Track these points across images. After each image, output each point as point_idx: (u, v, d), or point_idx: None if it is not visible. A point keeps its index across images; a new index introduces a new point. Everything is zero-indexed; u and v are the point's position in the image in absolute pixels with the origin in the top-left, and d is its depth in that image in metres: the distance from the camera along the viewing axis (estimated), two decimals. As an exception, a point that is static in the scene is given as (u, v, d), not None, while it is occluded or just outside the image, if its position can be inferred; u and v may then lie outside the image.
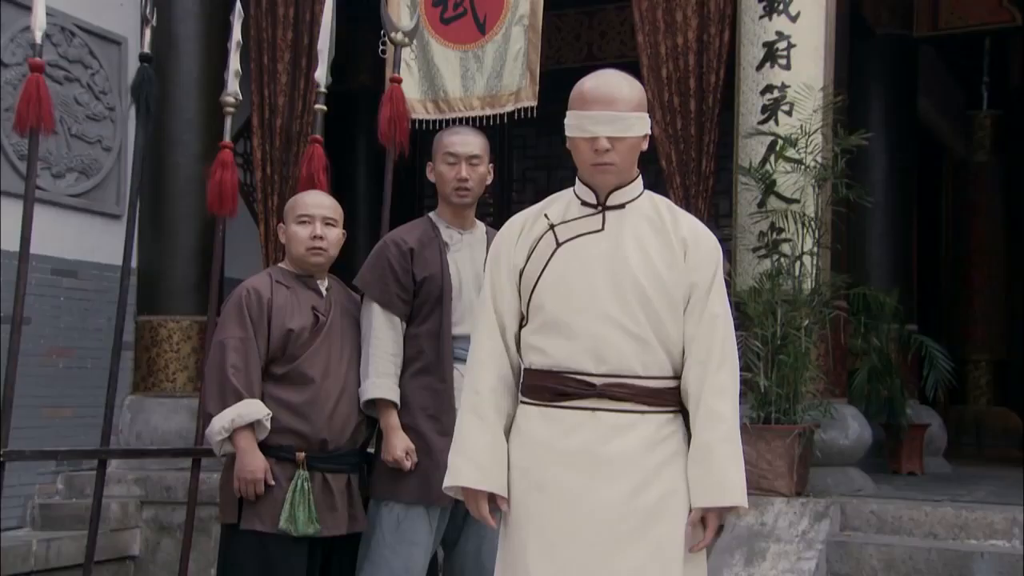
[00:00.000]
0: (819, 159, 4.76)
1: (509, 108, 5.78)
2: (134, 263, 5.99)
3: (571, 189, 2.23)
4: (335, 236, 3.11)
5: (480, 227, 3.28)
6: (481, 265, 3.18)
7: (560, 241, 2.13)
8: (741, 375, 4.75)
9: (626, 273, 2.11)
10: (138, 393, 5.92)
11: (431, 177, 3.20)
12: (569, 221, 2.15)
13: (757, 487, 4.54)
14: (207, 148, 5.28)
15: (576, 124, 2.09)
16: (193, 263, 5.91)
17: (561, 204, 2.20)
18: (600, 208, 2.15)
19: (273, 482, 2.90)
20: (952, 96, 8.95)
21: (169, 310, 5.97)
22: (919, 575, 4.14)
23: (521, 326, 2.19)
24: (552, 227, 2.15)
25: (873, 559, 4.23)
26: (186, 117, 5.93)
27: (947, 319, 9.10)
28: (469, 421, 2.18)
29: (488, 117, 5.88)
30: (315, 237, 3.05)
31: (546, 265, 2.13)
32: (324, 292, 3.12)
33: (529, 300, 2.15)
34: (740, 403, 4.89)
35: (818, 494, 4.61)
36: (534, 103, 5.64)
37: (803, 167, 4.75)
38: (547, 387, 2.12)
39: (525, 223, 2.23)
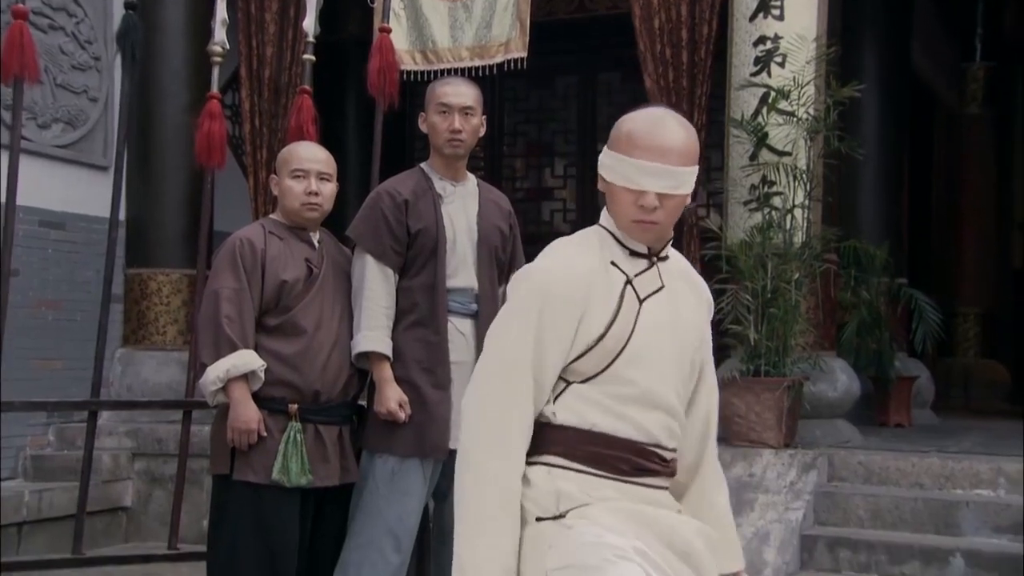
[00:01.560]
0: (811, 111, 4.74)
1: (499, 59, 5.73)
2: (122, 215, 6.03)
3: (595, 229, 1.90)
4: (329, 191, 3.09)
5: (471, 179, 3.27)
6: (473, 218, 3.17)
7: (642, 299, 1.85)
8: (732, 328, 4.90)
9: (686, 340, 1.90)
10: (128, 346, 5.92)
11: (423, 128, 3.18)
12: (640, 274, 1.86)
13: (746, 439, 4.59)
14: (195, 98, 5.22)
15: (620, 170, 1.79)
16: (182, 215, 5.88)
17: (609, 248, 1.86)
18: (653, 260, 1.88)
19: (266, 433, 2.90)
20: (945, 48, 8.89)
21: (158, 263, 5.95)
22: (905, 524, 4.20)
23: (567, 381, 1.83)
24: (630, 281, 1.84)
25: (860, 509, 4.29)
26: (173, 66, 5.87)
27: (937, 273, 9.12)
28: (503, 524, 1.75)
29: (478, 68, 5.83)
30: (310, 193, 3.03)
31: (633, 329, 1.82)
32: (316, 244, 3.11)
33: (608, 366, 1.81)
34: (730, 356, 5.05)
35: (806, 446, 4.66)
36: (524, 54, 5.59)
37: (795, 119, 4.74)
38: (629, 460, 1.81)
39: (592, 271, 1.83)
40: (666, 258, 1.90)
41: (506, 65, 5.79)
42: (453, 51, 5.78)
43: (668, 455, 1.86)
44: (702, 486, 2.00)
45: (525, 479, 1.80)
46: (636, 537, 1.75)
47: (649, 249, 1.87)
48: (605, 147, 1.85)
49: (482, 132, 3.21)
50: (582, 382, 1.81)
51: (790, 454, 4.51)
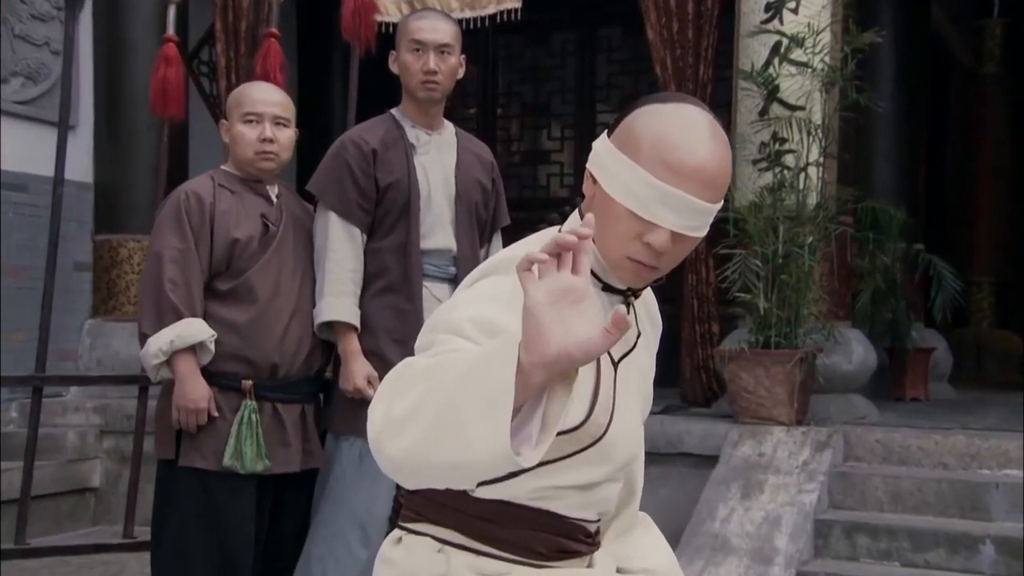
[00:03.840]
0: (827, 60, 4.38)
1: (491, 10, 5.40)
2: (91, 177, 5.69)
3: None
4: (287, 138, 2.73)
5: (449, 128, 2.91)
6: (451, 170, 2.82)
7: (616, 361, 1.39)
8: (740, 296, 4.58)
9: (647, 395, 1.53)
10: (98, 317, 5.57)
11: (394, 68, 2.81)
12: None
13: (755, 415, 4.30)
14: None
15: (629, 186, 1.29)
16: (156, 178, 5.49)
17: None
18: (630, 300, 1.42)
19: (216, 413, 2.57)
20: (961, 2, 8.47)
21: (129, 228, 5.57)
22: (928, 508, 3.88)
23: None
24: None
25: (879, 491, 3.98)
26: (142, 16, 5.47)
27: (950, 239, 8.75)
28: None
29: (469, 21, 5.49)
30: (264, 140, 2.67)
31: (613, 409, 1.36)
32: (274, 199, 2.75)
33: (573, 455, 1.34)
34: (738, 326, 4.72)
35: (819, 422, 4.39)
36: (518, 4, 5.26)
37: (810, 70, 4.38)
38: (551, 541, 1.40)
39: None
40: (640, 293, 1.43)
41: (499, 17, 5.45)
42: (442, 1, 5.43)
43: (596, 527, 1.46)
44: (637, 539, 1.58)
45: (399, 548, 1.42)
46: None
47: (628, 287, 1.38)
48: (607, 139, 1.34)
49: (461, 74, 2.85)
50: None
51: (802, 432, 4.21)
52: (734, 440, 4.23)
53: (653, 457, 4.47)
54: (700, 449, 4.36)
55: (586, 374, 1.33)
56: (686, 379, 5.07)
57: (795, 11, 4.45)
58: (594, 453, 1.35)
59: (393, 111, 2.86)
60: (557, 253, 1.01)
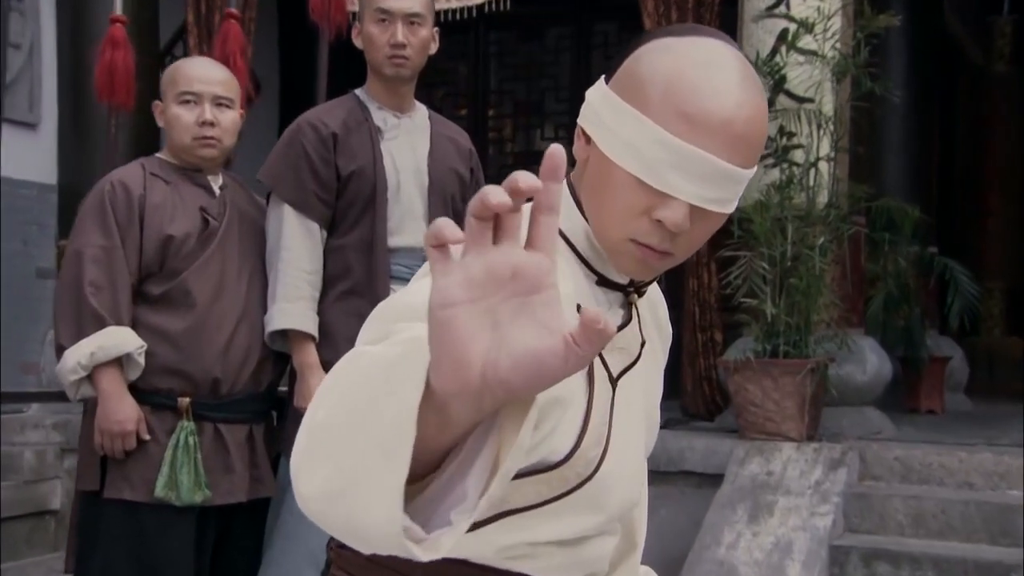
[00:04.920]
0: (838, 46, 4.06)
1: (480, 0, 5.14)
2: (55, 179, 5.38)
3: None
4: (230, 120, 2.40)
5: (421, 110, 2.58)
6: (423, 158, 2.49)
7: (614, 377, 1.07)
8: (745, 302, 4.28)
9: (653, 420, 1.19)
10: (61, 326, 5.23)
11: (358, 42, 2.49)
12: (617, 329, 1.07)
13: (762, 430, 3.99)
14: (137, 45, 4.55)
15: (632, 143, 0.97)
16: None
17: (568, 270, 1.04)
18: (632, 299, 1.11)
19: (147, 436, 2.23)
20: (970, -1, 8.18)
21: (96, 233, 5.25)
22: (954, 533, 3.55)
23: None
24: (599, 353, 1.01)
25: (899, 513, 3.65)
26: (108, 7, 5.14)
27: (960, 243, 8.44)
28: None
29: (456, 14, 5.23)
30: (204, 123, 2.33)
31: (609, 436, 1.05)
32: (217, 191, 2.42)
33: (560, 497, 1.02)
34: (744, 334, 4.41)
35: (832, 438, 4.08)
36: None
37: (819, 58, 4.06)
38: None
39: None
40: (644, 291, 1.11)
41: (487, 7, 5.19)
42: (427, -9, 5.14)
43: None
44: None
45: None
46: None
47: (630, 281, 1.07)
48: (604, 85, 1.03)
49: (434, 49, 2.52)
50: (501, 514, 0.99)
51: (814, 448, 3.90)
52: (740, 457, 3.92)
53: (652, 475, 4.15)
54: (703, 467, 4.06)
55: (575, 393, 1.00)
56: (687, 391, 4.76)
57: (803, -4, 4.14)
58: (582, 498, 1.02)
59: (357, 91, 2.53)
60: (492, 215, 0.61)
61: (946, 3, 6.88)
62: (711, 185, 0.96)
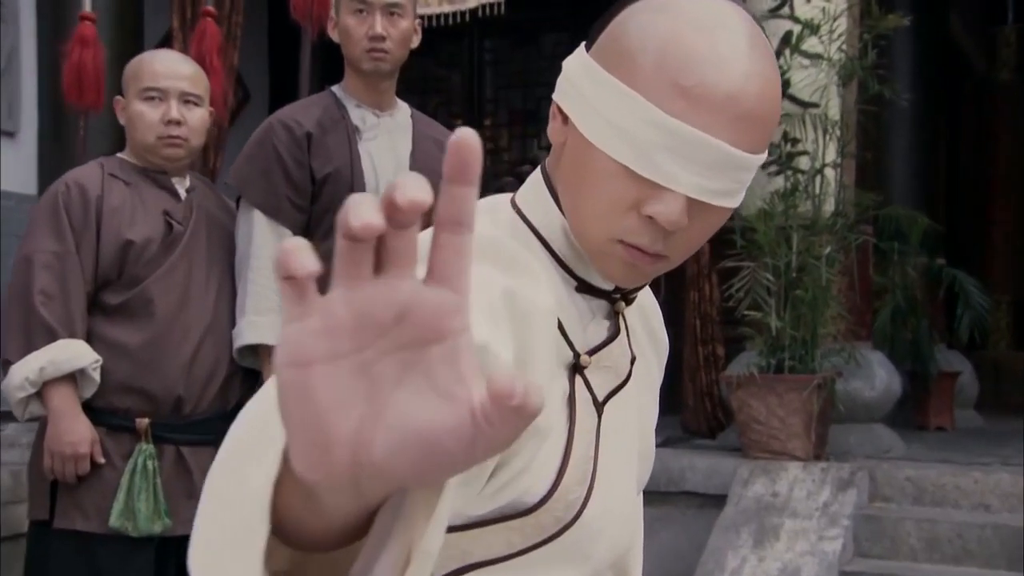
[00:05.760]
0: (844, 49, 3.91)
1: (472, 4, 5.02)
2: (35, 188, 5.21)
3: (508, 219, 0.91)
4: (198, 119, 2.22)
5: (403, 109, 2.41)
6: (405, 159, 2.32)
7: (600, 401, 0.90)
8: (749, 315, 4.12)
9: (646, 440, 1.01)
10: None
11: (334, 36, 2.33)
12: (600, 347, 0.90)
13: (767, 449, 3.83)
14: (121, 51, 4.38)
15: (621, 128, 0.81)
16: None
17: (530, 273, 0.84)
18: (618, 307, 0.93)
19: (102, 460, 2.05)
20: (975, 7, 8.05)
21: (76, 244, 5.09)
22: (971, 557, 3.37)
23: None
24: (580, 369, 0.88)
25: (912, 537, 3.48)
26: (93, 7, 4.99)
27: (965, 254, 8.29)
28: None
29: (448, 19, 5.09)
30: (169, 121, 2.16)
31: (594, 473, 0.89)
32: (183, 194, 2.24)
33: (539, 546, 0.86)
34: (747, 348, 4.25)
35: (840, 457, 3.92)
36: None
37: (825, 61, 3.91)
38: None
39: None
40: (634, 297, 0.94)
41: (481, 12, 5.03)
42: (418, -5, 5.01)
43: None
44: None
45: None
46: None
47: (616, 287, 0.90)
48: (585, 54, 0.86)
49: (416, 42, 2.36)
50: (463, 569, 0.83)
51: (822, 468, 3.73)
52: (744, 477, 3.75)
53: (652, 496, 4.03)
54: (705, 487, 3.89)
55: (553, 421, 0.82)
56: (688, 407, 4.60)
57: (807, -3, 4.00)
58: (563, 547, 0.86)
59: (334, 88, 2.36)
60: (356, 235, 0.42)
61: (951, 10, 6.76)
62: (713, 173, 0.80)
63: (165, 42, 5.64)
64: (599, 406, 0.88)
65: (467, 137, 0.42)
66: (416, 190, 0.41)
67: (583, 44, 0.87)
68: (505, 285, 0.77)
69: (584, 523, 0.85)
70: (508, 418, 0.40)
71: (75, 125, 4.94)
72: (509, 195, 0.92)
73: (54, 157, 5.07)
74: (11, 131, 5.00)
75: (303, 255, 0.41)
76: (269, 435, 0.48)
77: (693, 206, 0.81)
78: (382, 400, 0.43)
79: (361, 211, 0.40)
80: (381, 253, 0.42)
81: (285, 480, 0.47)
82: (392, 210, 0.41)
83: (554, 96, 0.87)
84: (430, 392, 0.42)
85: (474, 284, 0.76)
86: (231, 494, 0.49)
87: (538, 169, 0.91)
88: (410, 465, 0.42)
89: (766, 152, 0.85)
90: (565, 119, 0.85)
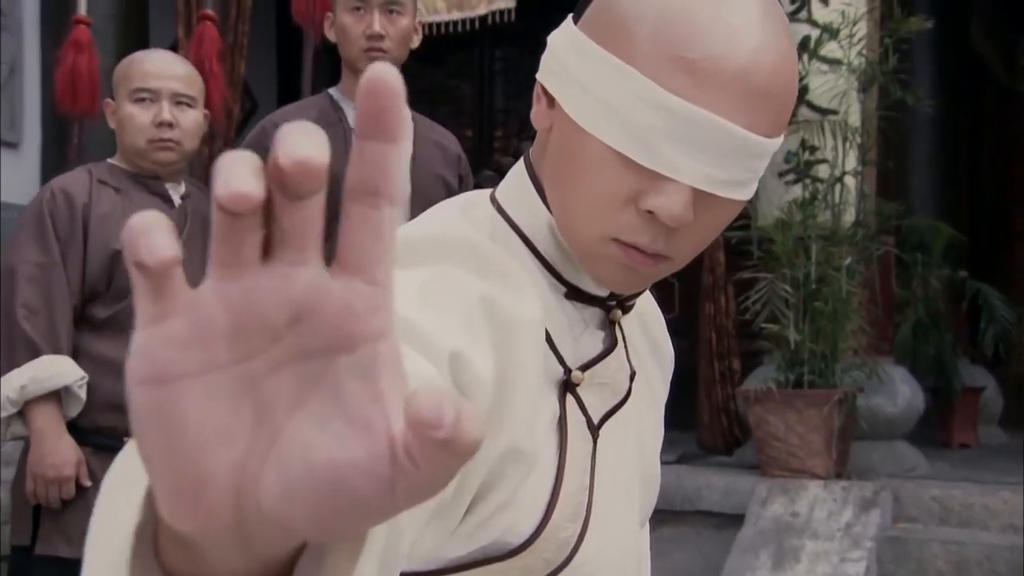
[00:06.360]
0: (864, 53, 3.81)
1: (482, 11, 4.95)
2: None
3: (489, 217, 0.79)
4: (192, 121, 2.12)
5: (406, 111, 2.30)
6: (406, 164, 2.22)
7: (595, 424, 0.79)
8: (766, 328, 4.01)
9: (649, 465, 0.88)
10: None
11: (331, 36, 2.23)
12: (593, 362, 0.79)
13: (786, 467, 3.71)
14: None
15: (615, 109, 0.70)
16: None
17: (529, 281, 0.72)
18: (614, 316, 0.81)
19: (88, 482, 1.95)
20: (996, 15, 7.93)
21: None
22: (1000, 582, 3.23)
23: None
24: (571, 386, 0.77)
25: (939, 560, 3.35)
26: (100, 15, 4.91)
27: (987, 266, 8.14)
28: None
29: (457, 26, 5.01)
30: (161, 123, 2.06)
31: (589, 509, 0.77)
32: (178, 200, 2.14)
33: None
34: (764, 362, 4.14)
35: (862, 475, 3.80)
36: (512, 4, 4.80)
37: (845, 66, 3.81)
38: None
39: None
40: (632, 305, 0.82)
41: (491, 19, 4.96)
42: (427, 2, 4.94)
43: None
44: None
45: None
46: None
47: (612, 293, 0.79)
48: (572, 26, 0.75)
49: (416, 42, 2.26)
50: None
51: (843, 487, 3.61)
52: (762, 496, 3.63)
53: (666, 515, 3.91)
54: (722, 506, 3.77)
55: (540, 447, 0.71)
56: (704, 423, 4.48)
57: (825, 1, 3.89)
58: None
59: (331, 90, 2.26)
60: (248, 209, 0.31)
61: (973, 18, 6.65)
62: (722, 160, 0.69)
63: (172, 49, 5.59)
64: (594, 429, 0.78)
65: (382, 74, 0.32)
66: (305, 146, 0.31)
67: (570, 16, 0.76)
68: (483, 291, 0.67)
69: (578, 566, 0.74)
70: (435, 455, 0.30)
71: (76, 137, 4.89)
72: (488, 191, 0.81)
73: (57, 168, 4.99)
74: (14, 142, 4.92)
75: (157, 235, 0.31)
76: (122, 479, 0.38)
77: (699, 199, 0.70)
78: (273, 427, 0.32)
79: (233, 176, 0.30)
80: (271, 229, 0.32)
81: (161, 524, 0.36)
82: (279, 175, 0.31)
83: (538, 76, 0.76)
84: (337, 417, 0.32)
85: (447, 286, 0.66)
86: (103, 536, 0.38)
87: (521, 161, 0.80)
88: (310, 513, 0.32)
89: (782, 137, 0.74)
90: (551, 102, 0.75)
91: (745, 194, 0.73)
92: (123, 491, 0.38)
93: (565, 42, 0.74)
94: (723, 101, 0.68)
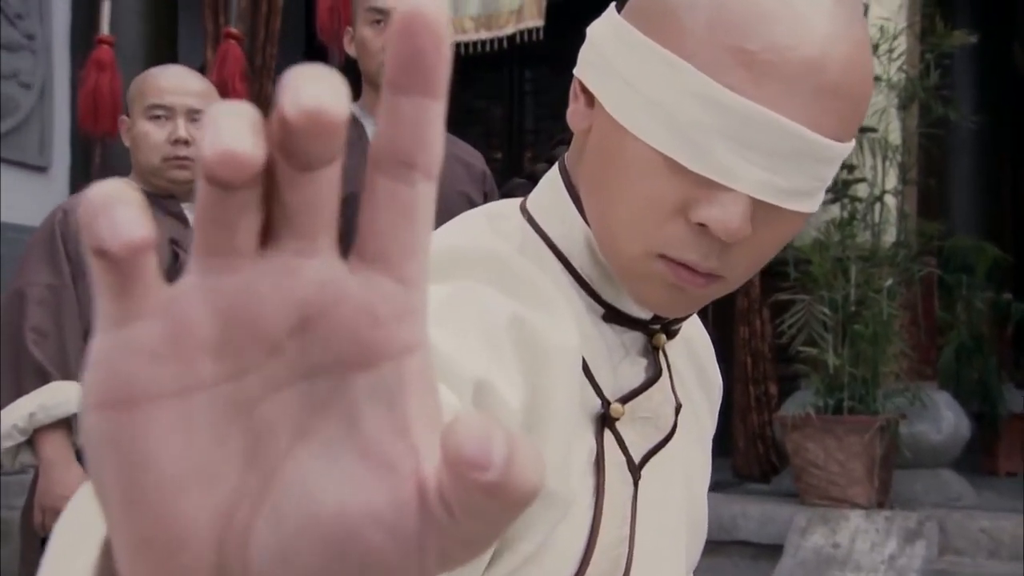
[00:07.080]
0: (905, 69, 3.70)
1: (510, 30, 4.89)
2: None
3: (518, 228, 0.70)
4: (209, 139, 2.06)
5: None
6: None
7: (636, 463, 0.69)
8: (804, 351, 3.89)
9: (696, 507, 0.79)
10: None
11: (350, 50, 2.17)
12: (631, 396, 0.69)
13: (826, 496, 3.58)
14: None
15: (664, 108, 0.61)
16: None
17: (563, 301, 0.65)
18: (657, 342, 0.71)
19: (97, 512, 1.87)
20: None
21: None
22: (1054, 619, 3.08)
23: None
24: (609, 421, 0.67)
25: (988, 595, 3.19)
26: (129, 44, 4.91)
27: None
28: None
29: (486, 46, 4.96)
30: (177, 141, 2.00)
31: (631, 553, 0.69)
32: (192, 220, 2.08)
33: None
34: (802, 387, 4.01)
35: (905, 505, 3.66)
36: (540, 23, 4.75)
37: (884, 82, 3.70)
38: None
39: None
40: (676, 331, 0.74)
41: (519, 38, 4.91)
42: (456, 22, 4.91)
43: None
44: None
45: None
46: None
47: (656, 315, 0.70)
48: (615, 15, 0.66)
49: (442, 55, 2.18)
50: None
51: (886, 517, 3.47)
52: (801, 526, 3.50)
53: (702, 545, 3.81)
54: (759, 536, 3.65)
55: (575, 490, 0.63)
56: (739, 450, 4.36)
57: (864, 12, 3.78)
58: None
59: (352, 105, 2.19)
60: (243, 181, 0.23)
61: (1015, 35, 6.52)
62: (785, 166, 0.60)
63: (200, 71, 5.59)
64: (635, 470, 0.69)
65: (421, 8, 0.24)
66: (318, 92, 0.23)
67: (612, 4, 0.68)
68: (513, 311, 0.59)
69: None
70: (479, 504, 0.23)
71: (109, 161, 4.88)
72: (518, 200, 0.72)
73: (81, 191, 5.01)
74: (43, 166, 4.92)
75: (122, 211, 0.23)
76: (92, 514, 0.30)
77: (758, 210, 0.61)
78: (268, 465, 0.25)
79: (223, 132, 0.23)
80: (272, 211, 0.25)
81: None
82: (284, 132, 0.23)
83: (575, 71, 0.67)
84: (350, 453, 0.25)
85: (471, 304, 0.57)
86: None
87: (555, 167, 0.72)
88: (314, 574, 0.25)
89: (852, 141, 0.65)
90: (590, 100, 0.66)
91: (810, 205, 0.64)
92: (74, 543, 0.31)
93: (607, 32, 0.65)
94: (786, 98, 0.59)
